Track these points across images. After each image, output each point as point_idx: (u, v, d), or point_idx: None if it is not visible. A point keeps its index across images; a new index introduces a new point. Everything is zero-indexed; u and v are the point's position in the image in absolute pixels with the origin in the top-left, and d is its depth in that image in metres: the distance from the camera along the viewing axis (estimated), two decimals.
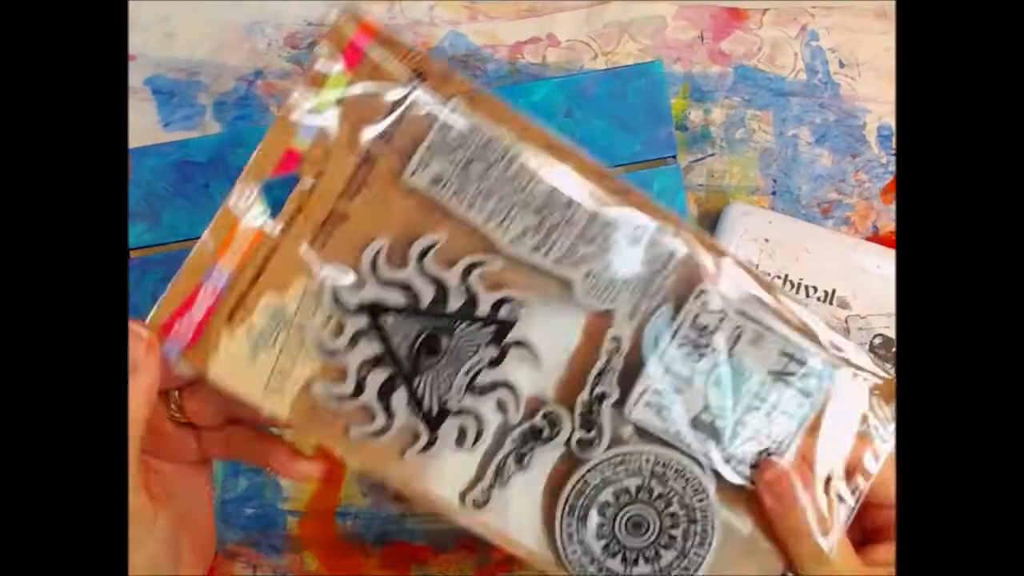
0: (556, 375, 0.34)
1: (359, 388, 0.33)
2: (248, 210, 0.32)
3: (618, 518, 0.35)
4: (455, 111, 0.33)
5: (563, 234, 0.33)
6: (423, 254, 0.33)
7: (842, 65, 0.51)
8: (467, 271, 0.33)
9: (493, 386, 0.34)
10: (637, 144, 0.42)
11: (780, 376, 0.34)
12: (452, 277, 0.33)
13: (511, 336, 0.34)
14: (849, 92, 0.51)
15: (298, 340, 0.33)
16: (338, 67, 0.32)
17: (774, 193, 0.50)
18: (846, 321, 0.48)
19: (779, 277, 0.48)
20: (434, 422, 0.34)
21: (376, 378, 0.33)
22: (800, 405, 0.34)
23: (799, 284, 0.48)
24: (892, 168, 0.51)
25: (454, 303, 0.33)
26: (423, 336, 0.34)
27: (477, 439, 0.34)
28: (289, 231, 0.33)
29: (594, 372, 0.34)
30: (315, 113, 0.32)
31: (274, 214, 0.32)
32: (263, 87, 0.50)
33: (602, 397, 0.34)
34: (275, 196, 0.33)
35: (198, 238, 0.40)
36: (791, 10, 0.51)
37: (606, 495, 0.34)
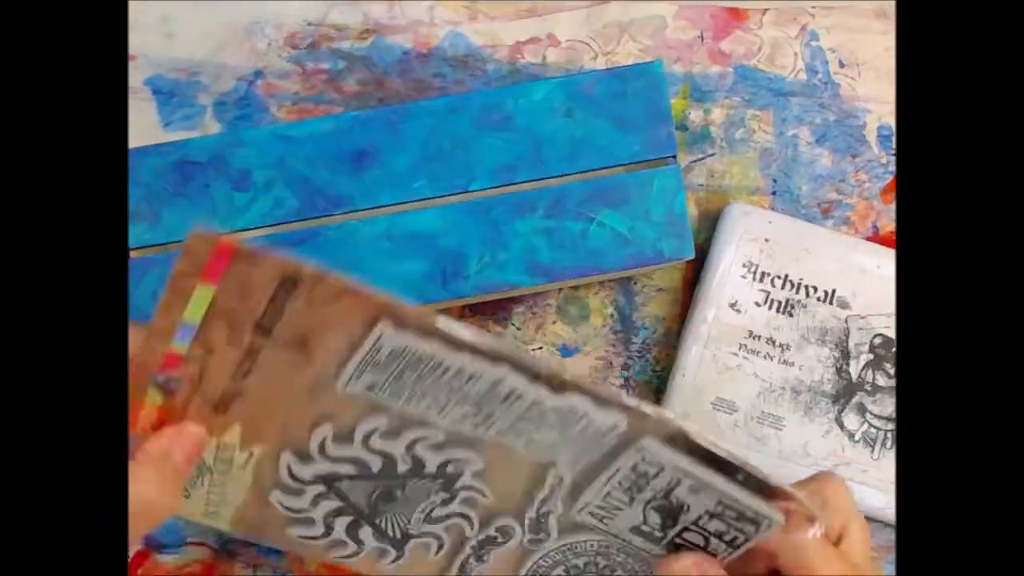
0: (504, 502, 0.36)
1: (328, 530, 0.36)
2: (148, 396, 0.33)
3: None
4: (381, 337, 0.32)
5: (502, 416, 0.34)
6: (367, 436, 0.35)
7: (842, 65, 0.51)
8: (411, 444, 0.35)
9: (448, 516, 0.37)
10: (637, 144, 0.42)
11: (716, 516, 0.35)
12: (398, 448, 0.35)
13: (459, 484, 0.36)
14: (849, 92, 0.51)
15: (222, 477, 0.35)
16: (201, 286, 0.30)
17: (774, 193, 0.50)
18: (846, 321, 0.48)
19: (779, 277, 0.48)
20: (399, 544, 0.37)
21: (342, 522, 0.36)
22: (736, 537, 0.35)
23: (799, 284, 0.48)
24: (892, 168, 0.51)
25: (402, 468, 0.35)
26: (377, 492, 0.36)
27: (439, 550, 0.38)
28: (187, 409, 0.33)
29: (539, 498, 0.36)
30: (188, 323, 0.32)
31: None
32: (263, 87, 0.50)
33: (548, 513, 0.36)
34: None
35: None
36: (791, 10, 0.52)
37: (559, 571, 0.38)
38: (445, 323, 0.31)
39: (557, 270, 0.41)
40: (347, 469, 0.35)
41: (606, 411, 0.33)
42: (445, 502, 0.37)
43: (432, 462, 0.35)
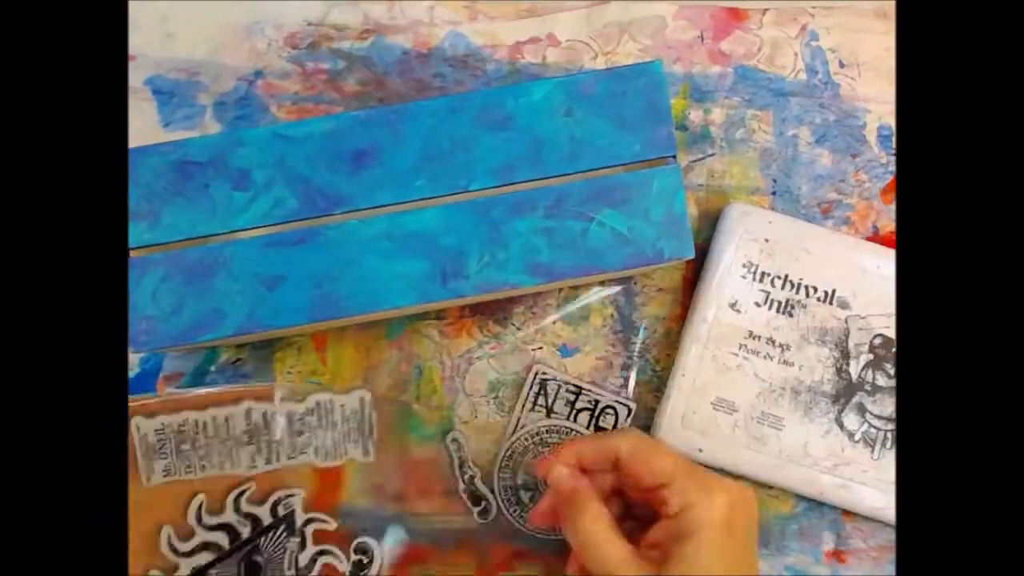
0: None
1: None
2: None
3: None
4: (139, 427, 0.45)
5: (278, 439, 0.46)
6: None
7: (842, 65, 0.51)
8: (235, 504, 0.45)
9: (313, 559, 0.45)
10: (637, 144, 0.42)
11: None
12: (228, 516, 0.44)
13: (298, 521, 0.45)
14: (849, 92, 0.51)
15: None
16: None
17: (774, 193, 0.50)
18: (846, 321, 0.48)
19: (779, 277, 0.48)
20: None
21: None
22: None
23: (799, 284, 0.48)
24: (892, 168, 0.51)
25: (244, 531, 0.45)
26: (242, 567, 0.45)
27: None
28: None
29: None
30: None
31: None
32: (263, 87, 0.50)
33: None
34: None
35: (198, 238, 0.40)
36: (791, 10, 0.52)
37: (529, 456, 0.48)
38: (174, 392, 0.42)
39: (557, 270, 0.41)
40: (220, 538, 0.45)
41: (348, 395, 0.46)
42: (302, 545, 0.44)
43: (264, 512, 0.44)
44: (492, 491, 0.48)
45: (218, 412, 0.46)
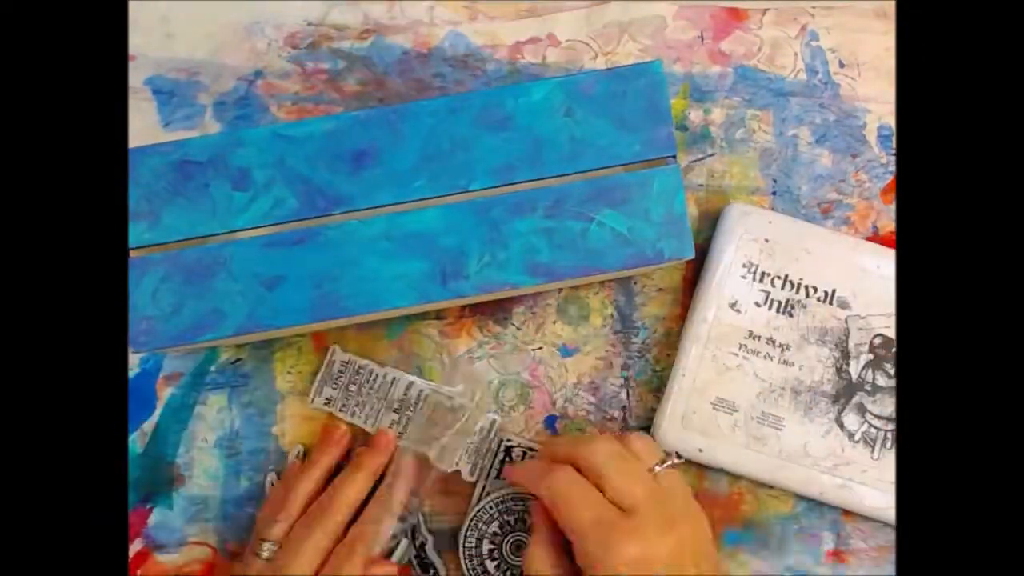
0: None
1: None
2: None
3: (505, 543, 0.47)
4: (335, 352, 0.49)
5: (413, 422, 0.48)
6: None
7: (842, 65, 0.51)
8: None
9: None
10: (637, 144, 0.42)
11: None
12: None
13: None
14: (849, 92, 0.51)
15: None
16: None
17: (774, 193, 0.50)
18: (846, 321, 0.48)
19: (779, 277, 0.48)
20: None
21: None
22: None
23: (799, 284, 0.48)
24: (892, 168, 0.51)
25: None
26: None
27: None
28: None
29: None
30: None
31: None
32: (263, 87, 0.50)
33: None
34: None
35: (198, 238, 0.40)
36: (791, 10, 0.52)
37: (494, 526, 0.47)
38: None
39: (557, 270, 0.41)
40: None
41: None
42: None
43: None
44: (460, 555, 0.47)
45: (391, 373, 0.48)
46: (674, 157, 0.42)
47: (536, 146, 0.42)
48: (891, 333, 0.47)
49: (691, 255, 0.42)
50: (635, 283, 0.50)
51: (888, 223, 0.50)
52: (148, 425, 0.47)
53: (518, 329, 0.49)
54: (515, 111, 0.42)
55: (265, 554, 0.43)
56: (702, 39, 0.51)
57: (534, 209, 0.41)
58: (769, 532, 0.48)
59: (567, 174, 0.42)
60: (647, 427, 0.48)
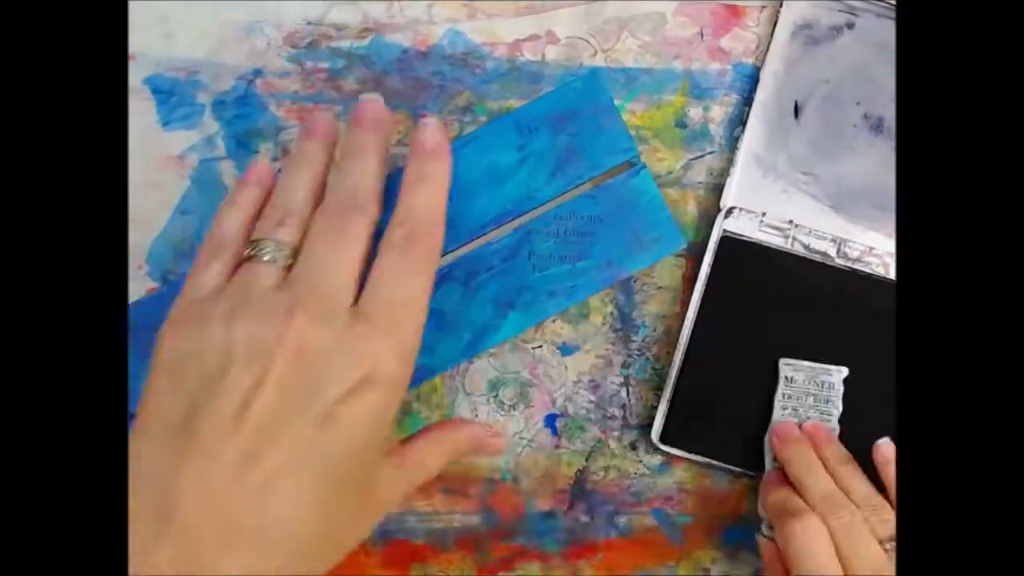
0: None
1: None
2: None
3: None
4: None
5: None
6: None
7: None
8: None
9: None
10: (597, 156, 0.41)
11: None
12: None
13: None
14: None
15: None
16: None
17: None
18: None
19: None
20: None
21: None
22: None
23: None
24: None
25: None
26: None
27: None
28: None
29: None
30: None
31: None
32: (262, 86, 0.50)
33: None
34: None
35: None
36: None
37: None
38: None
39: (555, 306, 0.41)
40: None
41: None
42: None
43: None
44: None
45: None
46: (637, 157, 0.42)
47: (497, 188, 0.41)
48: None
49: (682, 245, 0.42)
50: (635, 281, 0.50)
51: None
52: None
53: None
54: (470, 167, 0.41)
55: (267, 256, 0.34)
56: (702, 36, 0.51)
57: (515, 256, 0.41)
58: None
59: (540, 205, 0.41)
60: (647, 425, 0.48)
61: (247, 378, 0.31)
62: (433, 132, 0.36)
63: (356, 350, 0.32)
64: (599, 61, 0.50)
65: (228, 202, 0.36)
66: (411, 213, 0.35)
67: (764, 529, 0.44)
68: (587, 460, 0.49)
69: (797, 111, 0.50)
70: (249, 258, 0.34)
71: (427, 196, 0.35)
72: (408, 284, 0.34)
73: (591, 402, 0.49)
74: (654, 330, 0.49)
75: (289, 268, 0.34)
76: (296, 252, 0.34)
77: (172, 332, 0.33)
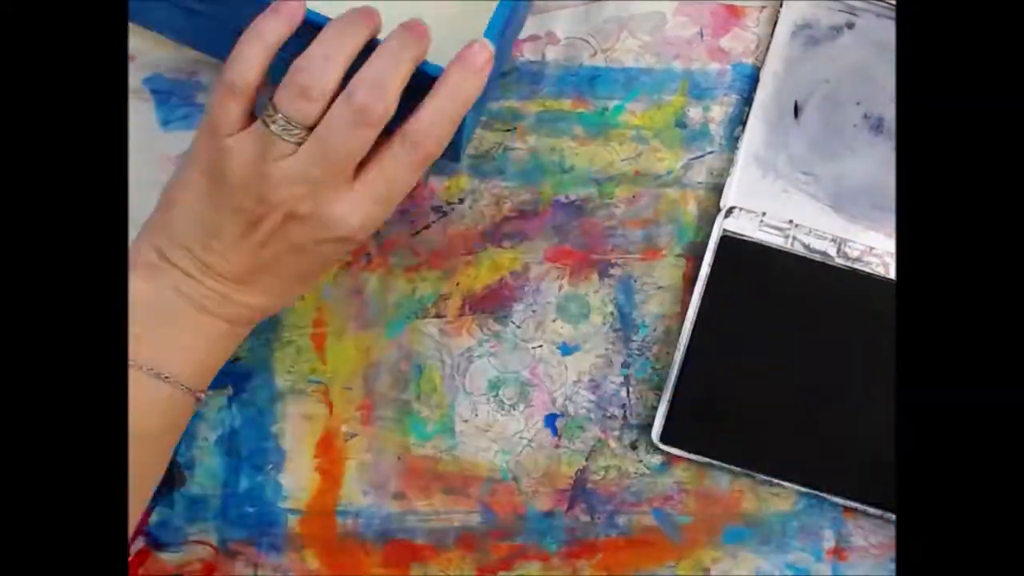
0: None
1: None
2: None
3: None
4: None
5: None
6: None
7: None
8: None
9: None
10: None
11: None
12: None
13: None
14: None
15: None
16: None
17: None
18: None
19: None
20: None
21: None
22: None
23: None
24: None
25: None
26: None
27: None
28: None
29: None
30: None
31: None
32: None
33: None
34: None
35: None
36: None
37: None
38: None
39: None
40: None
41: None
42: None
43: None
44: None
45: None
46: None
47: None
48: None
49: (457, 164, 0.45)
50: (635, 281, 0.50)
51: None
52: None
53: (518, 327, 0.49)
54: None
55: (277, 127, 0.36)
56: (701, 36, 0.51)
57: None
58: (770, 529, 0.48)
59: None
60: (647, 425, 0.48)
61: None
62: (484, 54, 0.38)
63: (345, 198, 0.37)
64: (599, 61, 0.50)
65: (253, 33, 0.37)
66: (431, 127, 0.37)
67: None
68: (587, 460, 0.49)
69: (797, 111, 0.50)
70: (265, 123, 0.37)
71: (450, 113, 0.37)
72: (399, 179, 0.38)
73: (591, 402, 0.49)
74: (654, 330, 0.49)
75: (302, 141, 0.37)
76: (311, 128, 0.37)
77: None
